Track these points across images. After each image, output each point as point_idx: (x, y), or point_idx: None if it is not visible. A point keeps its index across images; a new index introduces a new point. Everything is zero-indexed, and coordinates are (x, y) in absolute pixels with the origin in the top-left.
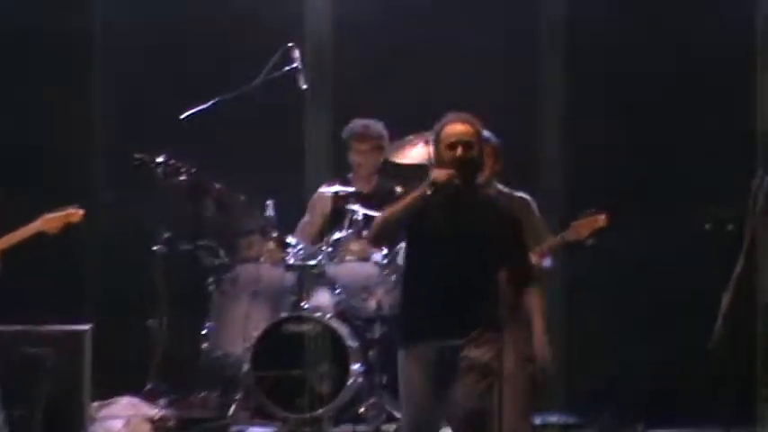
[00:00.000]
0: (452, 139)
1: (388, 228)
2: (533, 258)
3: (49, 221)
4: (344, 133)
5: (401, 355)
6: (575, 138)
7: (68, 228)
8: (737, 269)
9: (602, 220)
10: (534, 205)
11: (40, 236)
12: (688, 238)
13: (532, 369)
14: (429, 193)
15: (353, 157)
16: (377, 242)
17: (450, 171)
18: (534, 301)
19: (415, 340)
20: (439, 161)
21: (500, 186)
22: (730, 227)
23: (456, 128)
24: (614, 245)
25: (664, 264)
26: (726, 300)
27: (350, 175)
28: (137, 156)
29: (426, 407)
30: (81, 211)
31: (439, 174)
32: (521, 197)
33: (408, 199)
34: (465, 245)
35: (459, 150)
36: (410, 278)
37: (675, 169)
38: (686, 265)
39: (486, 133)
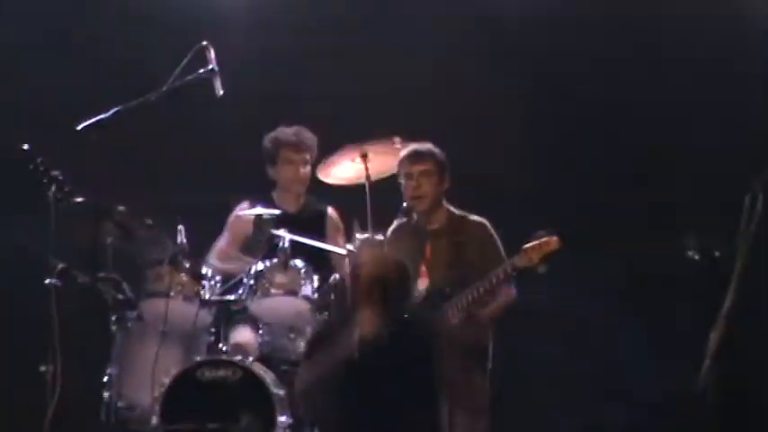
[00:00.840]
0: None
1: (312, 396)
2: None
3: None
4: (270, 142)
5: None
6: (539, 160)
7: None
8: (727, 303)
9: (554, 242)
10: (490, 228)
11: None
12: (671, 267)
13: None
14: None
15: (282, 172)
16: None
17: (377, 325)
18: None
19: None
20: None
21: (452, 209)
22: (717, 254)
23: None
24: (584, 276)
25: (644, 299)
26: (714, 337)
27: (274, 193)
28: (24, 148)
29: None
30: None
31: (367, 332)
32: (477, 221)
33: (331, 363)
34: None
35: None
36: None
37: (654, 193)
38: (669, 300)
39: (428, 147)
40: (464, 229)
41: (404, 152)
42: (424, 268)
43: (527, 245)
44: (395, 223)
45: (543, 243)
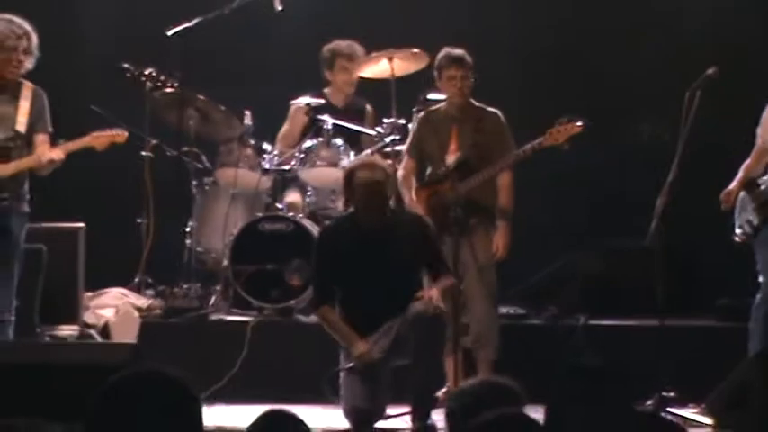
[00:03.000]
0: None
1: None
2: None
3: (98, 138)
4: (329, 51)
5: None
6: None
7: (112, 146)
8: (671, 176)
9: (579, 126)
10: (503, 119)
11: (87, 150)
12: (629, 149)
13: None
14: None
15: (336, 75)
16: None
17: (372, 350)
18: (504, 186)
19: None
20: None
21: (472, 101)
22: (666, 138)
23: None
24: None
25: (607, 173)
26: (660, 203)
27: (326, 90)
28: (124, 66)
29: None
30: (126, 134)
31: (362, 354)
32: (492, 111)
33: (340, 341)
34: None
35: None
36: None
37: (613, 89)
38: (627, 174)
39: (463, 53)
40: (484, 118)
41: (447, 57)
42: (453, 146)
43: (554, 127)
44: (427, 110)
45: (569, 127)
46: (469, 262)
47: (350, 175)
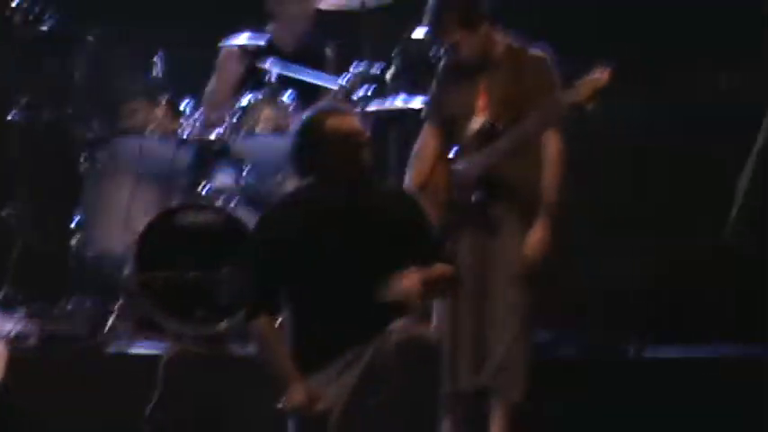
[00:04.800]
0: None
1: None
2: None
3: None
4: None
5: None
6: None
7: None
8: (758, 145)
9: (605, 78)
10: (550, 62)
11: None
12: (696, 106)
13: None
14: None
15: (284, 4)
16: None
17: (316, 398)
18: (550, 158)
19: None
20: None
21: (509, 40)
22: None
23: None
24: (609, 120)
25: (664, 141)
26: (743, 183)
27: (270, 26)
28: None
29: None
30: None
31: (298, 402)
32: (536, 55)
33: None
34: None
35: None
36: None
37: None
38: (695, 144)
39: None
40: (521, 64)
41: (426, 11)
42: (480, 104)
43: (577, 81)
44: (450, 56)
45: (594, 79)
46: (496, 268)
47: (315, 124)
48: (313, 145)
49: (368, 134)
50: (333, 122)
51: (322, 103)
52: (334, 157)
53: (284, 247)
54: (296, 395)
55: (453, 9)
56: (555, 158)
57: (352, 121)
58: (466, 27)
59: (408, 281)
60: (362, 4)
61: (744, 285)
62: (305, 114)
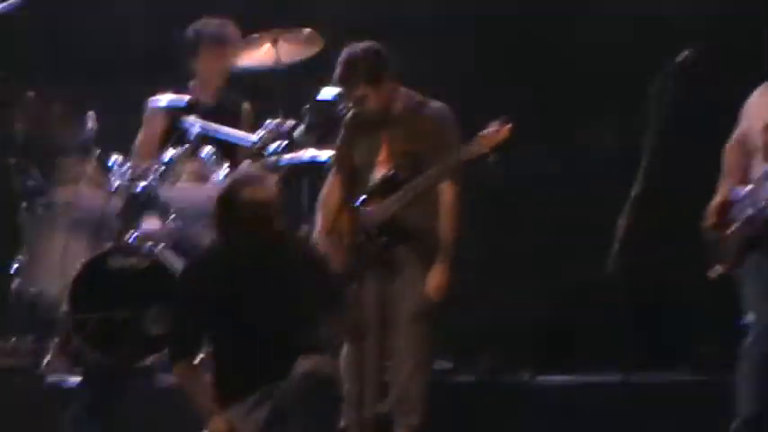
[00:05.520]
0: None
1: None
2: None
3: None
4: (193, 34)
5: None
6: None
7: None
8: (635, 189)
9: (505, 131)
10: (450, 115)
11: None
12: (582, 154)
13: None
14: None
15: (205, 64)
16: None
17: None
18: (446, 207)
19: None
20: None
21: (411, 93)
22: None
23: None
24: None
25: (556, 186)
26: (622, 224)
27: (191, 84)
28: None
29: None
30: None
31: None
32: (436, 107)
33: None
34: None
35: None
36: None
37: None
38: (581, 187)
39: (358, 52)
40: (422, 117)
41: (336, 69)
42: (381, 156)
43: (481, 133)
44: (355, 110)
45: (494, 132)
46: (398, 307)
47: (229, 194)
48: (229, 213)
49: (279, 202)
50: (247, 193)
51: (240, 173)
52: (247, 225)
53: (203, 298)
54: (214, 426)
55: (360, 67)
56: (451, 206)
57: (265, 192)
58: (371, 83)
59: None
60: (276, 65)
61: (624, 317)
62: (224, 183)
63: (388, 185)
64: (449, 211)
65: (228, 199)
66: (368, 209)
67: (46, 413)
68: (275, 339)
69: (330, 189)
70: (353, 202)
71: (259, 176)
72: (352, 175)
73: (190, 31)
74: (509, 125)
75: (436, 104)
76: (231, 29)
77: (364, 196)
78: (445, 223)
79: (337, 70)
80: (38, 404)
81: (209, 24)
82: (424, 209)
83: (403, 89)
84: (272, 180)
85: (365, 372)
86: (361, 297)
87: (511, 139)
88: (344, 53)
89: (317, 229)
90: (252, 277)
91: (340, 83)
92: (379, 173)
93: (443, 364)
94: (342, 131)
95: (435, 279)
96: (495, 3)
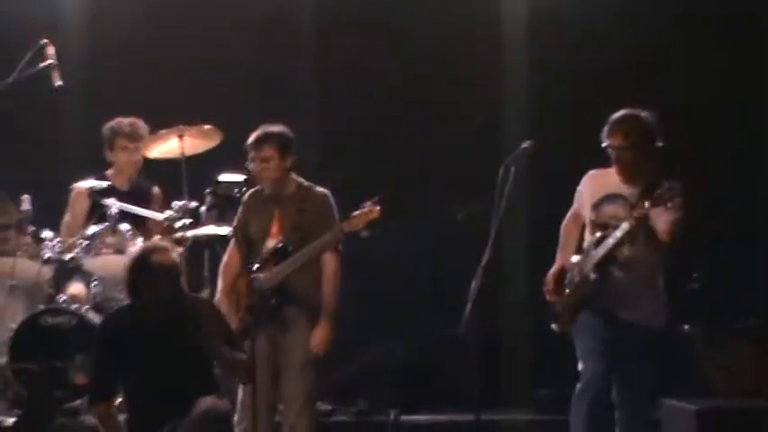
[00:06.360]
0: None
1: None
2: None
3: None
4: (109, 131)
5: None
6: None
7: None
8: (484, 260)
9: (376, 211)
10: (330, 199)
11: None
12: (441, 229)
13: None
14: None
15: (118, 155)
16: None
17: None
18: (328, 274)
19: None
20: None
21: (300, 180)
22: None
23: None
24: (371, 239)
25: (417, 254)
26: (474, 287)
27: (108, 172)
28: None
29: None
30: None
31: None
32: (320, 192)
33: None
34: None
35: None
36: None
37: (428, 165)
38: (439, 256)
39: (270, 131)
40: (308, 199)
41: (251, 136)
42: (273, 230)
43: (354, 213)
44: (252, 189)
45: (367, 212)
46: (287, 358)
47: (141, 259)
48: (140, 274)
49: (181, 264)
50: (155, 258)
51: (148, 242)
52: (155, 284)
53: (117, 348)
54: None
55: (275, 134)
56: (333, 273)
57: (170, 257)
58: (279, 150)
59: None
60: (181, 154)
61: (474, 366)
62: (135, 250)
63: (279, 254)
64: (331, 277)
65: (139, 263)
66: (261, 275)
67: None
68: (177, 383)
69: (230, 257)
70: (249, 269)
71: (164, 245)
72: (249, 244)
73: (106, 127)
74: (378, 206)
75: (320, 189)
76: (141, 125)
77: (258, 264)
78: (328, 287)
79: (255, 133)
80: None
81: (122, 123)
82: (309, 275)
83: (293, 175)
84: (175, 250)
85: (258, 412)
86: (254, 349)
87: (380, 216)
88: (264, 126)
89: (219, 290)
90: (157, 331)
91: (255, 142)
92: (270, 243)
93: (325, 407)
94: (240, 208)
95: (319, 335)
96: None
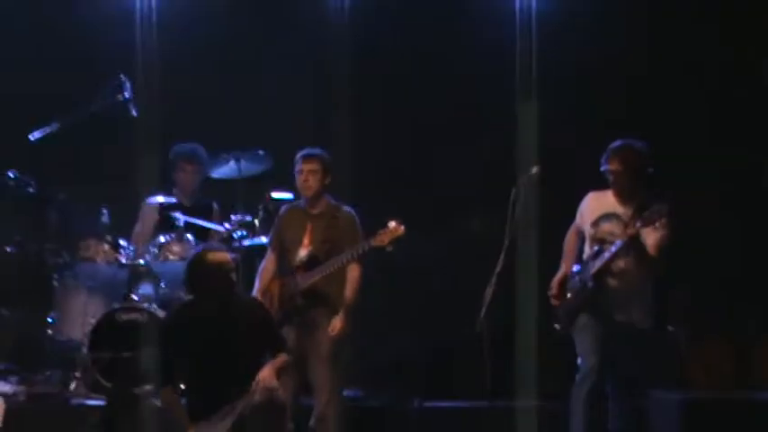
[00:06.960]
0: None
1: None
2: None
3: None
4: (173, 155)
5: None
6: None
7: None
8: (498, 267)
9: (401, 230)
10: (356, 218)
11: None
12: (459, 241)
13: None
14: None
15: (180, 176)
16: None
17: None
18: (351, 279)
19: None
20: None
21: (331, 200)
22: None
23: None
24: (397, 249)
25: (439, 264)
26: (488, 293)
27: (174, 190)
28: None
29: None
30: None
31: None
32: (347, 211)
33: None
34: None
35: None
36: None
37: (447, 183)
38: (458, 265)
39: (317, 150)
40: (337, 216)
41: (302, 151)
42: (306, 241)
43: (381, 230)
44: (288, 205)
45: (393, 229)
46: (314, 353)
47: (199, 258)
48: (197, 272)
49: (235, 263)
50: (210, 257)
51: (204, 244)
52: (208, 278)
53: (176, 337)
54: None
55: (324, 157)
56: (355, 279)
57: (224, 256)
58: (323, 167)
59: (263, 373)
60: (238, 175)
61: (487, 360)
62: (194, 251)
63: (310, 262)
64: (352, 283)
65: (196, 261)
66: (294, 278)
67: (71, 427)
68: (231, 369)
69: (266, 263)
70: (283, 273)
71: (218, 246)
72: (283, 253)
73: (171, 152)
74: (403, 226)
75: (347, 208)
76: (199, 151)
77: (291, 270)
78: (349, 290)
79: (304, 150)
80: (67, 418)
81: (183, 148)
82: (336, 281)
83: (325, 195)
84: (228, 252)
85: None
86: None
87: (405, 234)
88: (308, 148)
89: (255, 290)
90: (215, 321)
91: (306, 155)
92: (302, 252)
93: (356, 393)
94: (276, 221)
95: (335, 324)
96: None
